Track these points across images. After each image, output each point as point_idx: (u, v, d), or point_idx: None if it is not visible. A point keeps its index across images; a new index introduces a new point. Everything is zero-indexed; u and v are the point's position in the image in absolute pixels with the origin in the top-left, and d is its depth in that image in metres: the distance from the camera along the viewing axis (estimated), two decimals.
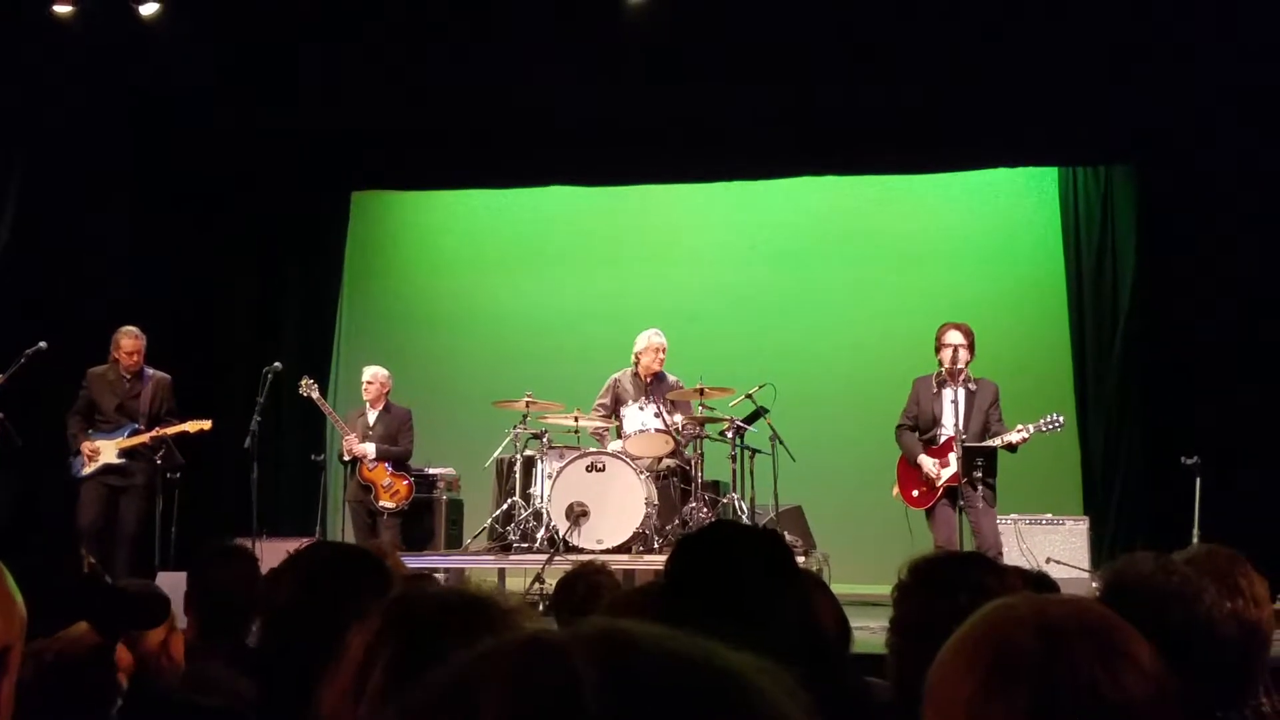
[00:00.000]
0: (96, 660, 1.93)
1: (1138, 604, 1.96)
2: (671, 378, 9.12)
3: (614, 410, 9.00)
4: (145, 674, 2.75)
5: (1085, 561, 8.52)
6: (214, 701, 2.53)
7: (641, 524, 8.27)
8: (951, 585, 2.17)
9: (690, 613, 1.98)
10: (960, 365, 7.58)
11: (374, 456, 9.00)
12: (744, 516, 8.49)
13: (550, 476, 8.48)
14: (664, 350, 9.04)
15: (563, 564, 7.20)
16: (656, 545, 8.32)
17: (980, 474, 7.39)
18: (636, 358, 9.06)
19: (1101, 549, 8.95)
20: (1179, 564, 2.09)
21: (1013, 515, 8.57)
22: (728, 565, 2.13)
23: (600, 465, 8.42)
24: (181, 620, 3.26)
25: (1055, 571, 7.71)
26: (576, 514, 8.27)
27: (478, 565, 8.60)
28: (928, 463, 7.61)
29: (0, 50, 9.05)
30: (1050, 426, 7.55)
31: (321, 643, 2.02)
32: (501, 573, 8.48)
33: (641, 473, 8.40)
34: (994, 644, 1.19)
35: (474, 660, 0.71)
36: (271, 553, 7.97)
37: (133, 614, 2.00)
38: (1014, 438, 7.48)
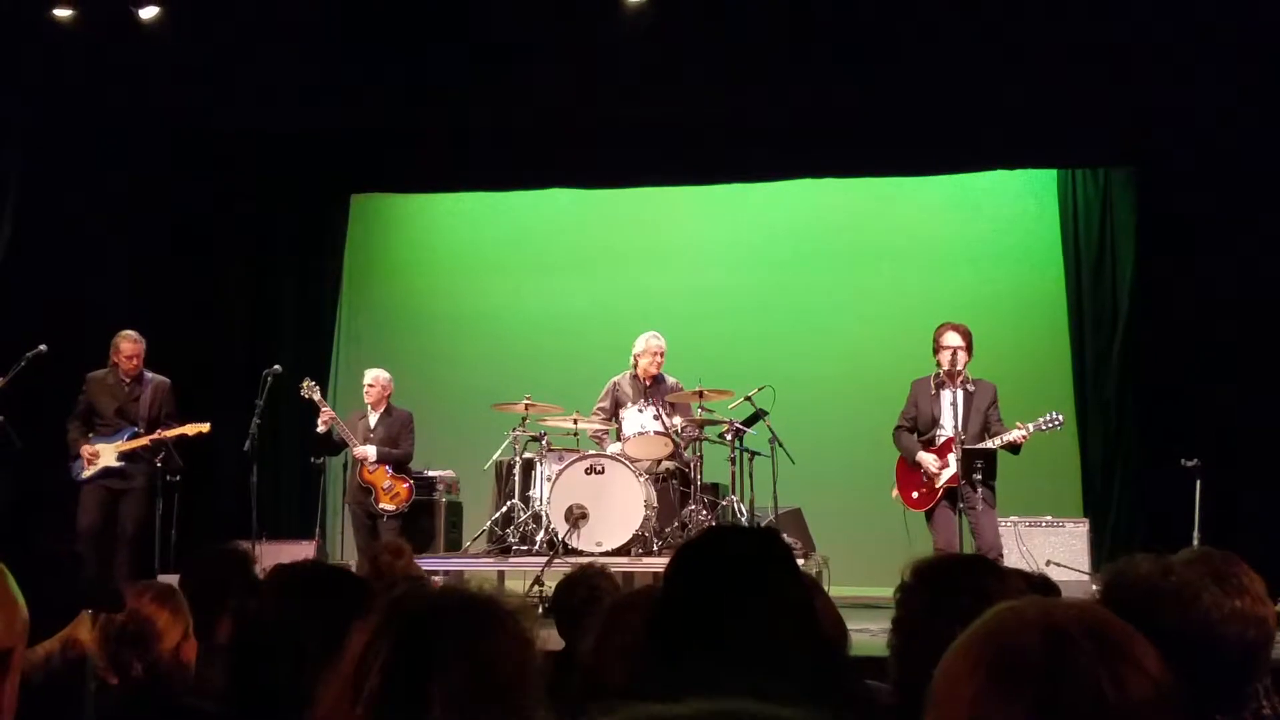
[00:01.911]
0: (70, 667, 1.93)
1: (1136, 605, 1.97)
2: (670, 380, 9.13)
3: (613, 413, 9.00)
4: (156, 679, 2.75)
5: (1085, 564, 8.52)
6: (223, 708, 2.53)
7: (641, 526, 8.28)
8: (953, 587, 2.17)
9: (686, 622, 1.98)
10: (959, 367, 7.58)
11: (375, 459, 8.99)
12: (743, 519, 8.49)
13: (549, 479, 8.49)
14: (662, 353, 9.05)
15: (562, 566, 7.21)
16: (656, 548, 8.33)
17: (980, 476, 7.39)
18: (635, 360, 9.08)
19: (1101, 551, 8.95)
20: (1177, 565, 2.09)
21: (1013, 517, 8.57)
22: (724, 570, 2.12)
23: (599, 468, 8.43)
24: None
25: (1055, 573, 7.71)
26: (576, 516, 8.28)
27: (477, 568, 8.60)
28: (928, 459, 7.61)
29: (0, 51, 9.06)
30: (1050, 425, 7.55)
31: (286, 672, 2.02)
32: (501, 575, 8.48)
33: (640, 475, 8.40)
34: (998, 646, 1.19)
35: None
36: (271, 555, 8.00)
37: (83, 597, 2.00)
38: (1014, 436, 7.47)
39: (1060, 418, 7.62)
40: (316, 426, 9.11)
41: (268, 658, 2.14)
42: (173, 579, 3.76)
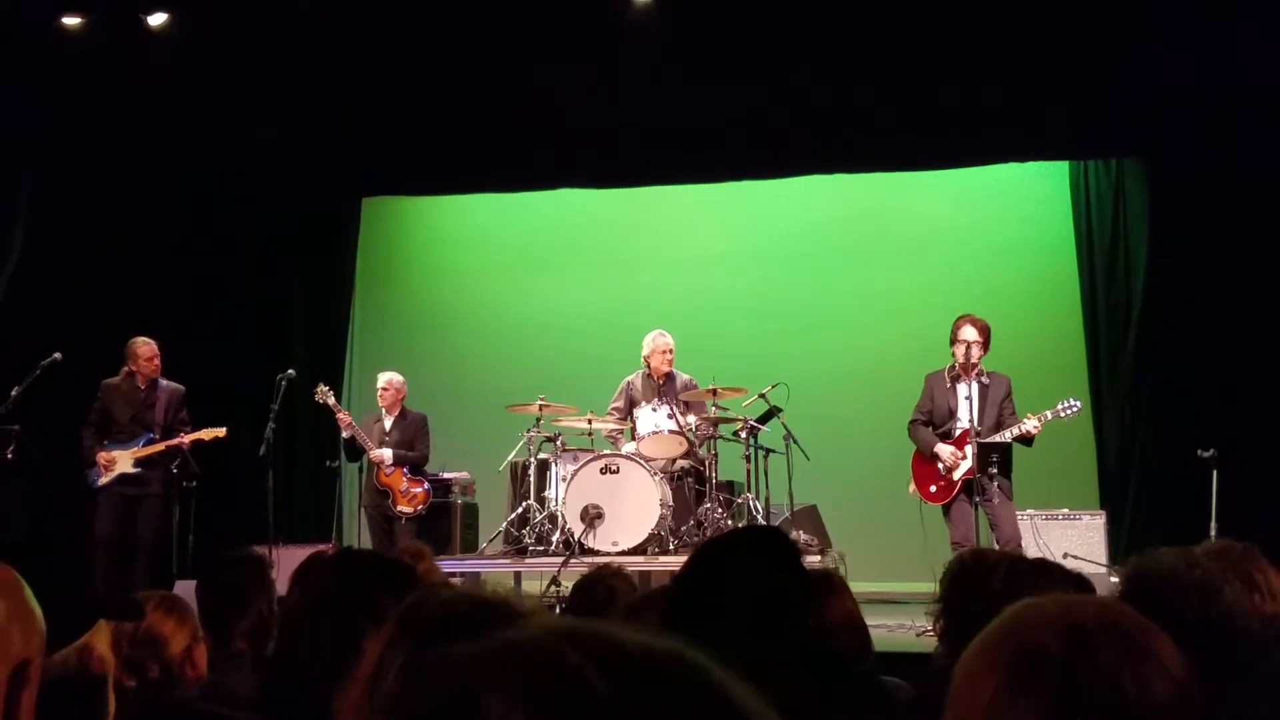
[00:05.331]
0: (87, 677, 1.93)
1: (1159, 598, 1.96)
2: (684, 377, 9.12)
3: (628, 412, 9.00)
4: (167, 683, 2.76)
5: (1103, 556, 8.49)
6: (236, 713, 2.54)
7: (656, 525, 8.27)
8: (990, 570, 2.19)
9: (696, 617, 1.98)
10: (974, 360, 7.56)
11: (391, 462, 9.01)
12: (759, 516, 8.48)
13: (564, 479, 8.49)
14: (671, 350, 9.04)
15: (578, 567, 7.20)
16: (672, 546, 8.32)
17: (996, 469, 7.37)
18: (645, 360, 9.07)
19: (1119, 543, 8.93)
20: (1200, 558, 2.09)
21: (1029, 510, 8.54)
22: (729, 572, 2.13)
23: (614, 467, 8.42)
24: None
25: (1072, 566, 7.68)
26: (591, 516, 8.28)
27: (494, 569, 8.61)
28: (945, 451, 7.57)
29: (8, 59, 9.08)
30: (1067, 411, 7.50)
31: (332, 649, 2.02)
32: (517, 576, 8.49)
33: (655, 474, 8.39)
34: (1018, 643, 1.19)
35: (473, 659, 0.71)
36: (288, 559, 8.01)
37: (101, 606, 2.00)
38: (1028, 427, 7.41)
39: (1077, 404, 7.57)
40: (342, 432, 9.17)
41: (307, 651, 2.15)
42: (190, 585, 3.77)
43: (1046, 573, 2.54)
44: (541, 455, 8.95)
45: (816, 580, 2.86)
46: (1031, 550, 8.05)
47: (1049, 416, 7.45)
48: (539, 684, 0.68)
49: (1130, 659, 1.15)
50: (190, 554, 8.59)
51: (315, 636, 2.16)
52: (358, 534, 9.78)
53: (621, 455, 8.55)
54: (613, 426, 9.04)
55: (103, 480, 8.50)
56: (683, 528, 8.54)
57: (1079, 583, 2.62)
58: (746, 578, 2.11)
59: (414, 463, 9.13)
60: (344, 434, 9.18)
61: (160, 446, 8.55)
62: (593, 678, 0.67)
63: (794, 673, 1.92)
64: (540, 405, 8.89)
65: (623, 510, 8.29)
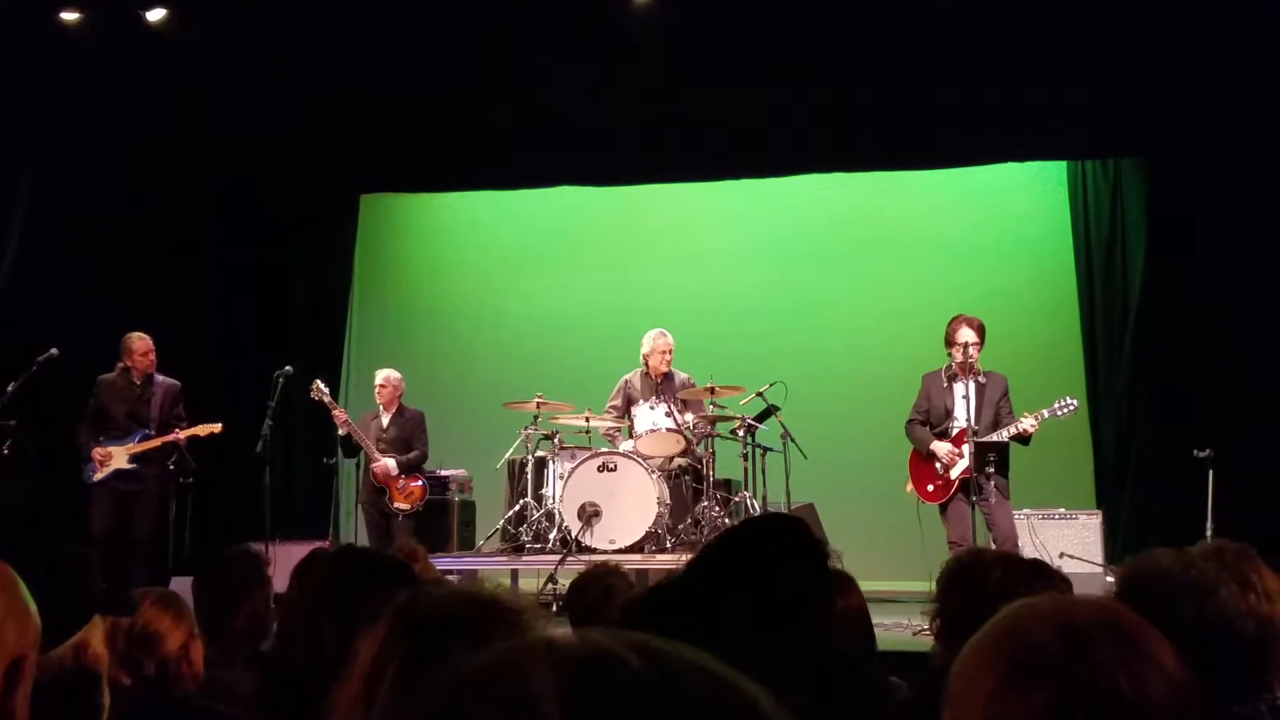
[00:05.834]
0: (82, 673, 1.93)
1: (1155, 598, 1.97)
2: (682, 375, 9.12)
3: (625, 410, 9.00)
4: (163, 681, 2.75)
5: (1099, 556, 8.49)
6: (233, 709, 2.53)
7: (654, 523, 8.27)
8: (986, 570, 2.19)
9: (687, 616, 1.97)
10: (972, 360, 7.56)
11: (397, 472, 8.98)
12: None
13: (562, 477, 8.49)
14: (671, 350, 9.04)
15: (576, 564, 7.21)
16: (669, 545, 8.32)
17: (993, 468, 7.36)
18: (644, 359, 9.07)
19: (1115, 542, 8.93)
20: (1196, 558, 2.09)
21: (1026, 510, 8.55)
22: (752, 561, 2.11)
23: (612, 465, 8.42)
24: None
25: (1069, 566, 7.71)
26: (589, 514, 8.28)
27: (491, 566, 8.61)
28: (942, 448, 7.56)
29: (8, 55, 9.07)
30: (1063, 410, 7.49)
31: (334, 646, 2.02)
32: (514, 574, 8.50)
33: (653, 472, 8.40)
34: (1016, 642, 1.19)
35: (521, 650, 0.74)
36: (285, 556, 8.00)
37: (95, 603, 2.00)
38: (1025, 426, 7.39)
39: (1074, 402, 7.56)
40: (338, 430, 9.16)
41: (307, 649, 2.14)
42: (187, 581, 3.76)
43: (1043, 573, 2.55)
44: (539, 453, 8.95)
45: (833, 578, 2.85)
46: (1028, 549, 8.06)
47: (1046, 415, 7.44)
48: (580, 663, 0.71)
49: (1127, 658, 1.15)
50: (186, 550, 8.57)
51: (316, 634, 2.16)
52: (355, 531, 9.77)
53: (619, 453, 8.55)
54: (610, 424, 9.04)
55: (98, 476, 8.48)
56: (680, 526, 8.54)
57: (1060, 580, 2.63)
58: (753, 574, 2.09)
59: (416, 464, 9.13)
60: (340, 431, 9.17)
61: (156, 442, 8.53)
62: (629, 658, 0.71)
63: (796, 673, 1.91)
64: (538, 403, 8.89)
65: (620, 508, 8.30)
